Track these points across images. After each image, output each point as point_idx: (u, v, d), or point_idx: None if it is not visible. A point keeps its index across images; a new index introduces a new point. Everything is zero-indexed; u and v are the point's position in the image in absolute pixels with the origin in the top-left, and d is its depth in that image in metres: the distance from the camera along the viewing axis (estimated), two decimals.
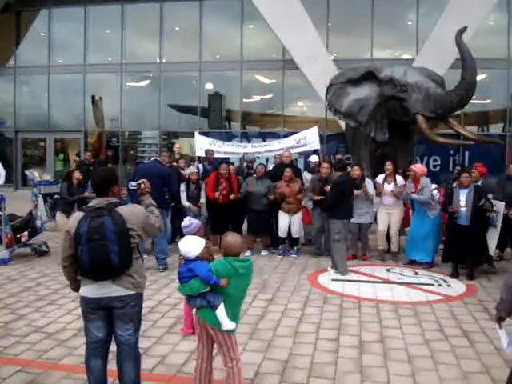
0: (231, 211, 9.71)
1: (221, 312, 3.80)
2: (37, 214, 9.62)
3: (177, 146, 12.85)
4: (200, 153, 12.19)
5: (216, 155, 11.93)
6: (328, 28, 17.44)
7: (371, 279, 8.00)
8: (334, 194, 8.52)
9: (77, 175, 9.51)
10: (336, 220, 8.37)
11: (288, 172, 9.44)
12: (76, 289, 4.02)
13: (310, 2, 16.39)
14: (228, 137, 17.64)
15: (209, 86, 19.15)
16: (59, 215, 9.42)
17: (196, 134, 12.82)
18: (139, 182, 4.14)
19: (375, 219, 9.52)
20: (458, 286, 7.64)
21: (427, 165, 16.49)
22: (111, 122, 20.02)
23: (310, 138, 12.04)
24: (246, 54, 18.10)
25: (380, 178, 9.58)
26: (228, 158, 12.49)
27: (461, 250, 8.07)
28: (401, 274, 8.30)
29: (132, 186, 4.15)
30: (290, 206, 9.47)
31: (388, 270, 8.59)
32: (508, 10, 16.52)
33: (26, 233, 9.05)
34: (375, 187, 9.43)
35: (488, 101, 17.67)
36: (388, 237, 9.54)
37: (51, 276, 7.97)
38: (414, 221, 9.07)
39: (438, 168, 16.87)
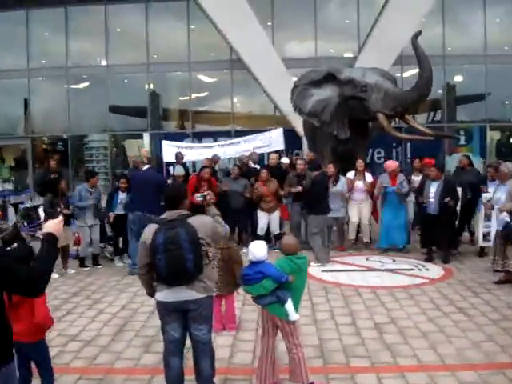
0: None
1: (289, 305, 4.32)
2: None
3: (143, 149, 12.98)
4: (168, 158, 12.50)
5: (185, 159, 12.33)
6: (273, 27, 17.98)
7: (357, 268, 8.72)
8: (314, 192, 9.22)
9: (63, 185, 9.47)
10: (315, 215, 9.09)
11: (263, 173, 10.04)
12: (151, 294, 4.41)
13: (254, 2, 16.87)
14: (180, 137, 17.85)
15: (155, 86, 19.24)
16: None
17: (163, 141, 13.12)
18: (204, 193, 4.56)
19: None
20: (435, 270, 8.50)
21: (372, 157, 17.55)
22: (55, 127, 19.67)
23: (275, 139, 12.68)
24: (193, 54, 18.37)
25: (350, 174, 10.36)
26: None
27: (432, 236, 8.98)
28: (380, 262, 9.08)
29: (198, 197, 4.48)
30: (269, 205, 10.04)
31: (367, 259, 9.35)
32: (442, 9, 17.72)
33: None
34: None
35: None
36: (359, 228, 10.35)
37: (52, 287, 8.12)
38: (386, 211, 9.88)
39: (382, 160, 17.85)
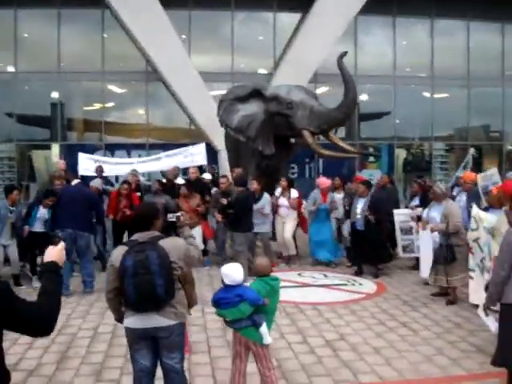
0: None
1: (264, 329, 4.24)
2: None
3: (61, 161, 12.27)
4: (84, 172, 11.98)
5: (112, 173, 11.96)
6: (190, 40, 17.88)
7: (291, 284, 8.75)
8: (238, 210, 9.19)
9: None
10: (240, 233, 9.11)
11: (182, 190, 9.90)
12: (119, 320, 4.16)
13: (173, 15, 16.71)
14: (92, 148, 17.20)
15: (66, 95, 18.43)
16: None
17: (80, 154, 12.58)
18: (178, 214, 4.36)
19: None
20: (367, 284, 8.73)
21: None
22: None
23: (197, 153, 12.57)
24: (106, 64, 17.81)
25: (278, 191, 10.48)
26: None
27: (361, 251, 9.24)
28: (313, 277, 9.19)
29: (170, 218, 4.23)
30: (190, 222, 9.79)
31: (300, 275, 9.43)
32: (355, 31, 18.50)
33: None
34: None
35: None
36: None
37: None
38: (314, 226, 10.07)
39: (296, 175, 18.21)
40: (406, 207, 10.32)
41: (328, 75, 17.59)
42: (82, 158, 12.32)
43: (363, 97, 19.16)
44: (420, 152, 20.50)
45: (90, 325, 6.73)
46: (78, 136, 19.17)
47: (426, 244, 8.18)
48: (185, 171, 13.21)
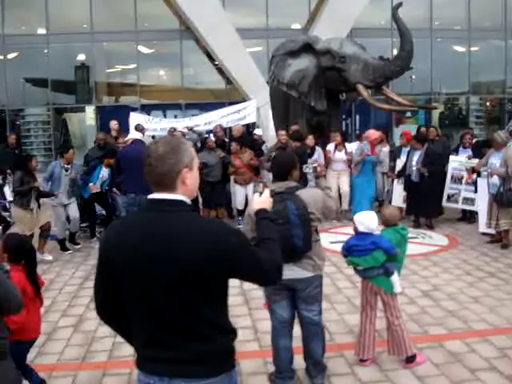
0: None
1: (395, 277, 4.23)
2: None
3: (114, 122, 12.13)
4: (135, 132, 11.88)
5: (153, 133, 11.79)
6: None
7: None
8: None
9: (35, 163, 8.60)
10: None
11: (233, 145, 9.82)
12: None
13: None
14: (127, 110, 17.08)
15: (99, 58, 18.25)
16: (14, 208, 8.26)
17: (131, 113, 12.49)
18: (315, 165, 4.31)
19: None
20: (438, 237, 8.71)
21: None
22: None
23: (248, 111, 12.44)
24: (140, 24, 17.55)
25: (330, 146, 10.36)
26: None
27: (417, 203, 9.25)
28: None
29: (306, 169, 4.19)
30: (244, 177, 9.75)
31: None
32: None
33: None
34: (324, 155, 10.14)
35: None
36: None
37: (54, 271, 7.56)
38: (360, 180, 10.00)
39: None
40: None
41: (364, 30, 17.35)
42: (134, 117, 12.19)
43: None
44: (456, 106, 20.23)
45: None
46: (112, 98, 19.05)
47: (483, 196, 8.35)
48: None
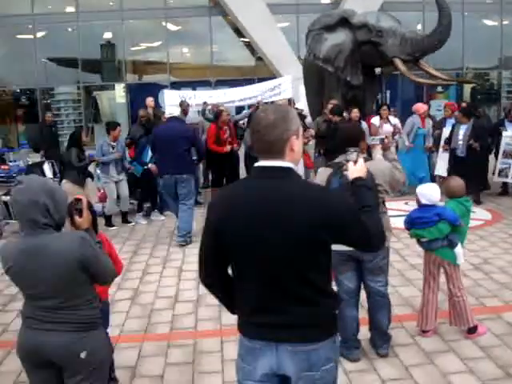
0: (228, 163, 9.66)
1: (459, 249, 4.24)
2: None
3: (150, 98, 12.07)
4: (171, 109, 11.86)
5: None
6: None
7: (403, 213, 8.70)
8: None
9: (85, 138, 8.74)
10: None
11: None
12: None
13: None
14: (157, 88, 17.13)
15: (126, 35, 18.22)
16: (67, 184, 8.10)
17: (165, 90, 12.50)
18: (382, 137, 4.31)
19: None
20: (481, 212, 8.64)
21: None
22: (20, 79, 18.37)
23: (284, 87, 12.37)
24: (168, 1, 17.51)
25: (375, 120, 10.30)
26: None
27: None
28: None
29: (374, 140, 4.18)
30: None
31: (407, 203, 9.36)
32: None
33: None
34: (369, 128, 10.10)
35: None
36: None
37: None
38: (411, 154, 9.95)
39: None
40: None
41: (395, 3, 17.07)
42: (168, 94, 12.20)
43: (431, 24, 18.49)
44: (488, 81, 19.91)
45: None
46: (141, 76, 19.09)
47: None
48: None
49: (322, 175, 3.99)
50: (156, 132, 8.10)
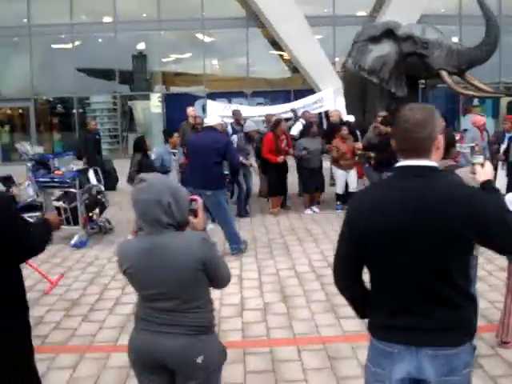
0: (285, 170, 9.83)
1: None
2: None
3: (191, 108, 12.09)
4: (212, 119, 11.87)
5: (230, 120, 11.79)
6: None
7: None
8: (389, 150, 9.00)
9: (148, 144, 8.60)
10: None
11: (344, 130, 9.79)
12: None
13: None
14: (193, 98, 17.23)
15: (162, 47, 18.38)
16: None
17: (208, 100, 12.60)
18: (472, 144, 4.25)
19: None
20: None
21: None
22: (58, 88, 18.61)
23: (326, 99, 12.38)
24: (206, 11, 17.63)
25: None
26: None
27: None
28: None
29: (462, 148, 4.16)
30: (347, 163, 9.80)
31: None
32: None
33: (97, 210, 8.43)
34: None
35: None
36: None
37: None
38: None
39: None
40: None
41: (431, 16, 17.02)
42: (211, 105, 12.25)
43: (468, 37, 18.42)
44: None
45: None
46: (177, 87, 19.22)
47: None
48: None
49: None
50: (188, 141, 7.93)
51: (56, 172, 8.34)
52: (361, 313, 2.41)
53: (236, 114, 11.07)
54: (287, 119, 11.62)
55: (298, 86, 17.35)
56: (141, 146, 8.11)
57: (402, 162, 2.18)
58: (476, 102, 18.07)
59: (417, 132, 2.11)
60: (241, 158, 8.93)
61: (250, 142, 9.68)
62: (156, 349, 2.50)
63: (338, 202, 10.03)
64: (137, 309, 2.66)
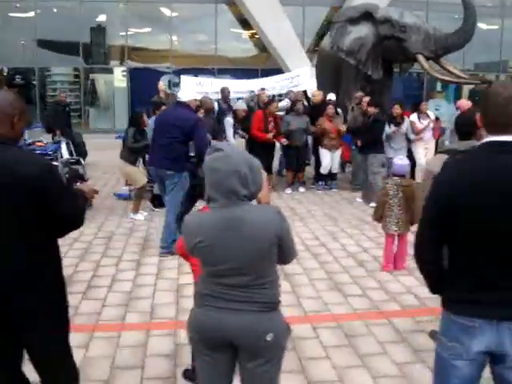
0: (271, 150, 9.72)
1: None
2: None
3: (161, 83, 11.72)
4: (187, 95, 11.64)
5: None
6: None
7: None
8: (374, 130, 9.11)
9: (146, 120, 8.22)
10: (378, 154, 9.00)
11: (331, 108, 9.76)
12: None
13: None
14: (158, 73, 16.87)
15: (125, 21, 17.85)
16: (123, 164, 7.82)
17: (182, 76, 12.32)
18: None
19: None
20: None
21: None
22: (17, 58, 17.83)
23: (303, 77, 12.32)
24: None
25: (413, 117, 10.16)
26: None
27: None
28: None
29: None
30: (332, 143, 9.77)
31: None
32: None
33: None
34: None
35: None
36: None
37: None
38: None
39: None
40: None
41: (402, 1, 17.16)
42: (185, 80, 11.99)
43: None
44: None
45: None
46: (142, 61, 18.75)
47: None
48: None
49: (436, 162, 3.92)
50: (156, 116, 7.29)
51: (37, 144, 7.99)
52: (437, 288, 2.40)
53: (224, 91, 10.81)
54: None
55: (266, 65, 17.22)
56: (136, 121, 7.84)
57: (490, 138, 2.18)
58: (439, 87, 18.41)
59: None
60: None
61: (236, 120, 9.62)
62: (223, 326, 2.41)
63: (320, 182, 10.03)
64: (199, 285, 2.56)
